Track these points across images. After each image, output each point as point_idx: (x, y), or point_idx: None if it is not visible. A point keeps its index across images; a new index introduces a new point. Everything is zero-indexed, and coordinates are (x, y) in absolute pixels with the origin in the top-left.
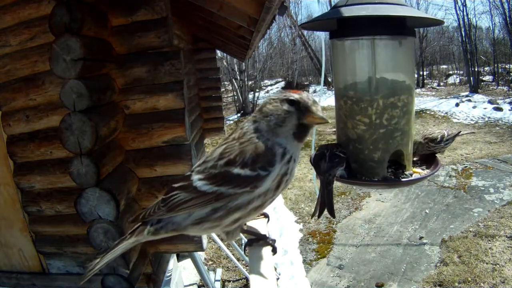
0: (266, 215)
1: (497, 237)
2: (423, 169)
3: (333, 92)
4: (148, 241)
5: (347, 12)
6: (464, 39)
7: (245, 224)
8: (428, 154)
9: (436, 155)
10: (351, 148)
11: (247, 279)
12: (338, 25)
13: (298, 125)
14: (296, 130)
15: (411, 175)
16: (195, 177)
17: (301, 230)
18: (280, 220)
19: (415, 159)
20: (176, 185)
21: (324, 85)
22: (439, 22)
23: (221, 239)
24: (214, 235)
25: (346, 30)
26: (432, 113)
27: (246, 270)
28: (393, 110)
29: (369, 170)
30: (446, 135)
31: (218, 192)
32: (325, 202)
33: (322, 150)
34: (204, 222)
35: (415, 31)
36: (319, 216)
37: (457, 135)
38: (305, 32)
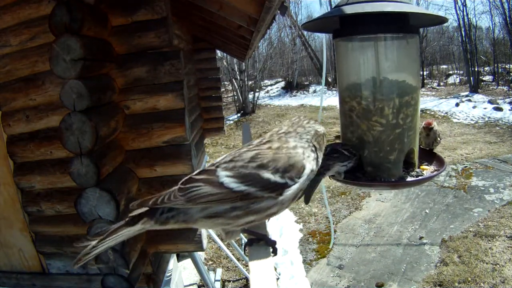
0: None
1: (497, 237)
2: (427, 165)
3: (337, 93)
4: (148, 241)
5: (350, 10)
6: (464, 39)
7: None
8: (426, 151)
9: (435, 151)
10: (366, 151)
11: (247, 279)
12: (341, 25)
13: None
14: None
15: (422, 172)
16: (222, 173)
17: (301, 230)
18: (280, 220)
19: (431, 166)
20: (197, 177)
21: (324, 85)
22: (443, 20)
23: (221, 239)
24: (214, 235)
25: (350, 29)
26: (432, 113)
27: (246, 270)
28: (408, 109)
29: (385, 171)
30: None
31: (245, 192)
32: (308, 189)
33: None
34: (218, 218)
35: (419, 30)
36: (306, 202)
37: None
38: (305, 32)
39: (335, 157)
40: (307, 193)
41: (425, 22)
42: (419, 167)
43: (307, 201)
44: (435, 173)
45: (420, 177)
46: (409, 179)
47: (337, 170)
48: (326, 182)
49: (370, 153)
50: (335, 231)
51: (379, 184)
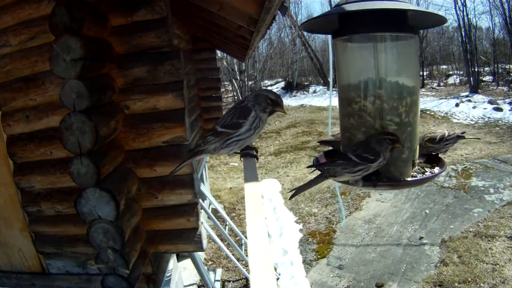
0: (255, 156)
1: (497, 237)
2: (428, 165)
3: (336, 93)
4: (148, 241)
5: (350, 7)
6: (464, 39)
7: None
8: (430, 154)
9: (439, 155)
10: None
11: (247, 279)
12: (341, 24)
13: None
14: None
15: (424, 170)
16: (217, 126)
17: (301, 230)
18: (280, 220)
19: (419, 161)
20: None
21: (323, 85)
22: (442, 19)
23: (221, 239)
24: (214, 236)
25: (350, 28)
26: (432, 113)
27: (246, 270)
28: (416, 108)
29: (398, 170)
30: (446, 135)
31: (224, 131)
32: (305, 186)
33: (344, 149)
34: (224, 148)
35: (418, 31)
36: (290, 197)
37: (459, 137)
38: (305, 32)
39: (340, 163)
40: (297, 189)
41: (425, 23)
42: (418, 166)
43: (291, 196)
44: (437, 172)
45: (426, 176)
46: (411, 178)
47: (347, 179)
48: (327, 182)
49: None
50: (334, 231)
51: (397, 184)
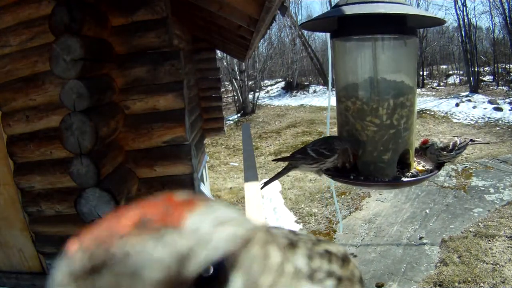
0: None
1: (497, 237)
2: (424, 167)
3: (334, 92)
4: None
5: (349, 10)
6: (464, 39)
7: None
8: (442, 163)
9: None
10: (360, 151)
11: None
12: (339, 25)
13: None
14: None
15: (417, 173)
16: None
17: (301, 230)
18: (280, 220)
19: (426, 166)
20: None
21: (323, 85)
22: (440, 21)
23: None
24: None
25: (348, 29)
26: (432, 113)
27: None
28: (403, 110)
29: (379, 171)
30: (458, 143)
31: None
32: (273, 178)
33: (311, 144)
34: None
35: (417, 31)
36: (262, 187)
37: (469, 142)
38: (305, 32)
39: (299, 158)
40: (266, 182)
41: (424, 24)
42: (414, 168)
43: (261, 188)
44: (428, 174)
45: (414, 178)
46: (403, 179)
47: (306, 170)
48: (327, 182)
49: (364, 152)
50: (335, 231)
51: (373, 184)
